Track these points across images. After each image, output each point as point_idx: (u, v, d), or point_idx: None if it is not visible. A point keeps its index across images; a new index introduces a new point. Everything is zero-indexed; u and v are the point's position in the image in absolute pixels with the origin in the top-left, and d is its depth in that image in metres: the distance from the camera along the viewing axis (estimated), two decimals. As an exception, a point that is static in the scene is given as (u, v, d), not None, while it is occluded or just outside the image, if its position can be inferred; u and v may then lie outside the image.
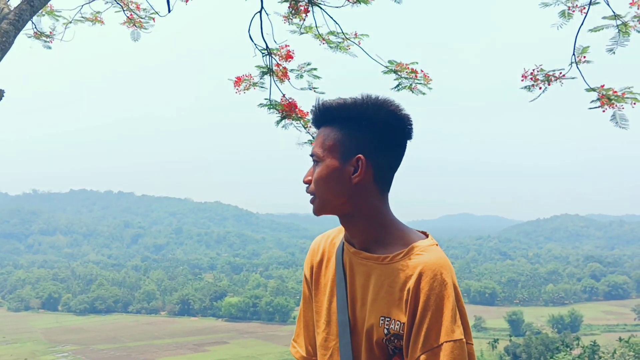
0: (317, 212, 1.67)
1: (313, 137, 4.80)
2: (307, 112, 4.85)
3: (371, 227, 1.61)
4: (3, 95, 3.25)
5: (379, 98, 1.60)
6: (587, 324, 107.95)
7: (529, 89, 4.81)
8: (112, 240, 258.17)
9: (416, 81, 5.19)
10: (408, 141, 1.65)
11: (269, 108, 4.97)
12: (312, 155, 1.65)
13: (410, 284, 1.48)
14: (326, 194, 1.62)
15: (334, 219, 1.64)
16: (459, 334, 1.44)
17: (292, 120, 4.93)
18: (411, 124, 1.62)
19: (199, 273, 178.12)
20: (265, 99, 4.99)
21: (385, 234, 1.61)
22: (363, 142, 1.58)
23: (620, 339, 60.76)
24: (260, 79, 5.04)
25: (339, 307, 1.66)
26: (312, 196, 1.66)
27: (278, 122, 4.95)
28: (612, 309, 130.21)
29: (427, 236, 1.64)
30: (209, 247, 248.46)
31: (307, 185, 1.67)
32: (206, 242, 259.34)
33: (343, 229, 1.75)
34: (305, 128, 4.90)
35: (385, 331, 1.54)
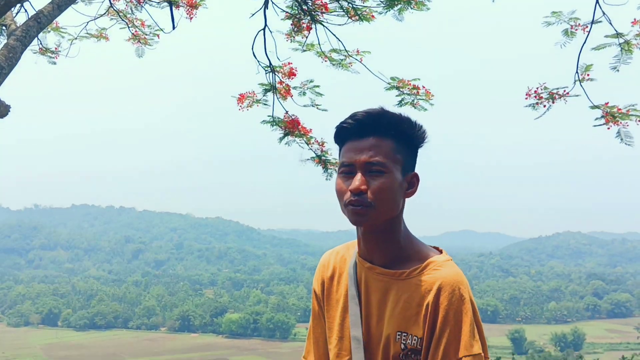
0: (372, 221, 1.61)
1: (316, 154, 4.79)
2: (311, 129, 4.84)
3: (395, 242, 1.62)
4: (9, 111, 3.24)
5: (412, 119, 1.66)
6: (590, 342, 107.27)
7: (534, 107, 4.80)
8: (113, 256, 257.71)
9: (418, 97, 5.18)
10: None
11: (272, 125, 4.96)
12: (373, 164, 1.59)
13: (429, 299, 1.49)
14: (388, 206, 1.60)
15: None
16: (477, 348, 1.46)
17: (295, 137, 4.91)
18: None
19: (199, 289, 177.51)
20: (269, 115, 4.99)
21: (404, 250, 1.62)
22: (413, 158, 1.65)
23: (623, 358, 60.30)
24: (264, 96, 5.03)
25: (352, 322, 1.66)
26: (363, 206, 1.59)
27: (281, 139, 4.94)
28: (615, 327, 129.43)
29: (441, 252, 1.66)
30: (209, 263, 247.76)
31: (359, 193, 1.58)
32: (207, 257, 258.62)
33: (350, 245, 1.79)
34: (308, 145, 4.88)
35: (402, 346, 1.54)
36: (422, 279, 1.53)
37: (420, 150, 1.71)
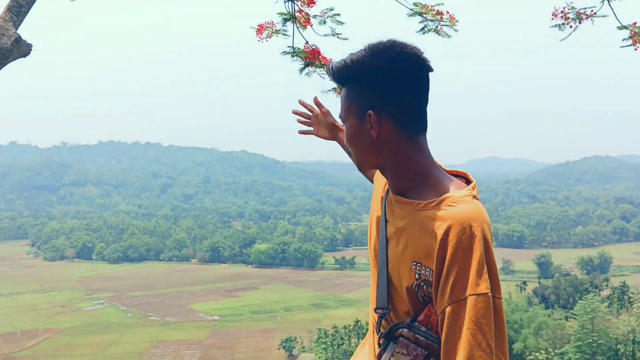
0: (359, 170, 1.75)
1: (337, 85, 4.75)
2: (331, 59, 4.76)
3: (404, 177, 1.62)
4: (31, 50, 3.25)
5: (377, 46, 1.58)
6: (617, 265, 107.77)
7: (560, 27, 4.65)
8: (142, 191, 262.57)
9: (442, 23, 5.03)
10: (430, 73, 1.61)
11: (292, 56, 4.87)
12: (339, 118, 1.70)
13: (440, 234, 1.48)
14: (357, 153, 1.66)
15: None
16: (484, 288, 1.43)
17: (316, 67, 4.83)
18: (419, 60, 1.57)
19: (227, 221, 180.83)
20: (288, 46, 4.90)
21: (419, 182, 1.60)
22: (370, 96, 1.58)
23: (649, 280, 60.60)
24: (283, 26, 4.93)
25: (380, 245, 1.69)
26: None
27: (301, 70, 4.86)
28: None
29: (469, 183, 1.63)
30: (236, 196, 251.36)
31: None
32: (234, 190, 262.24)
33: None
34: (329, 75, 4.83)
35: (417, 276, 1.55)
36: (436, 213, 1.51)
37: (432, 76, 1.62)
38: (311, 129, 2.52)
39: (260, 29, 4.85)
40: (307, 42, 4.97)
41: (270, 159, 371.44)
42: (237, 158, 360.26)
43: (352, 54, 1.62)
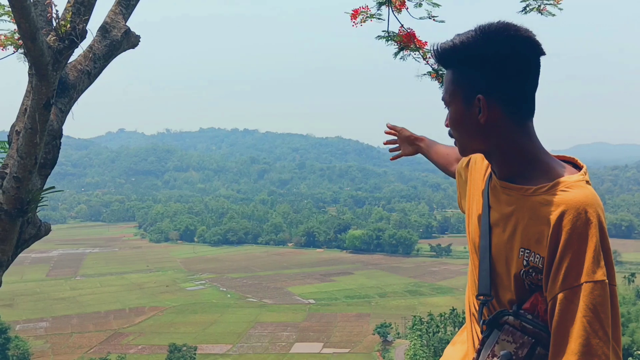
0: (461, 154, 1.70)
1: (433, 68, 4.68)
2: (426, 42, 4.69)
3: (511, 162, 1.58)
4: (139, 41, 3.41)
5: (489, 28, 1.53)
6: None
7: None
8: (240, 176, 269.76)
9: (545, 2, 4.84)
10: (541, 57, 1.56)
11: (387, 40, 4.84)
12: (442, 100, 1.66)
13: (553, 220, 1.44)
14: (461, 138, 1.62)
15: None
16: (600, 275, 1.40)
17: (411, 51, 4.77)
18: (533, 43, 1.52)
19: (322, 206, 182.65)
20: (383, 30, 4.88)
21: (528, 167, 1.56)
22: (479, 80, 1.54)
23: None
24: (378, 10, 4.91)
25: (482, 231, 1.65)
26: (454, 140, 1.67)
27: (396, 54, 4.82)
28: None
29: (579, 167, 1.58)
30: (331, 182, 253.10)
31: (448, 129, 1.67)
32: (329, 176, 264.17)
33: None
34: (424, 59, 4.74)
35: (525, 262, 1.51)
36: (548, 199, 1.47)
37: (542, 60, 1.56)
38: (399, 152, 2.65)
39: (354, 14, 4.85)
40: (402, 26, 4.92)
41: (365, 144, 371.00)
42: (332, 144, 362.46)
43: (459, 35, 1.57)
